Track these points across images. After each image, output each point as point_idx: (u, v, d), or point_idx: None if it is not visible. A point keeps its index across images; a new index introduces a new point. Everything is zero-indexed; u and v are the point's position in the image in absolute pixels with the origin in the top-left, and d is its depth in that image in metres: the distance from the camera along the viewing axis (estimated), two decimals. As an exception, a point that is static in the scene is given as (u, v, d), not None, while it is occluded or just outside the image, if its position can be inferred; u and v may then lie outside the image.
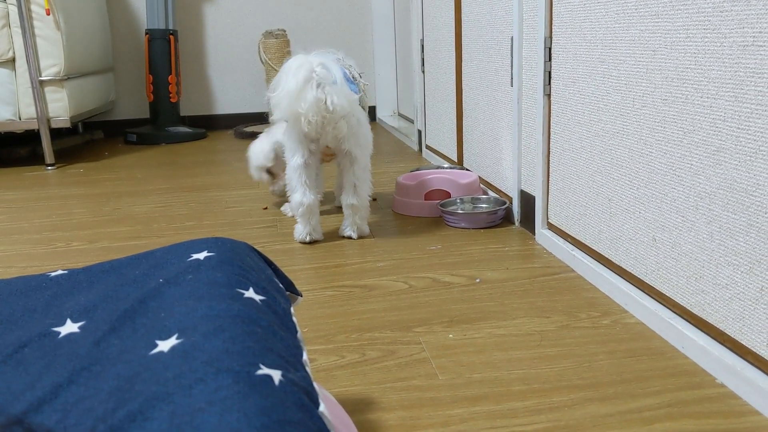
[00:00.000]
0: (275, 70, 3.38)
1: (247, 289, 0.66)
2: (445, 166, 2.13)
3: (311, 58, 1.46)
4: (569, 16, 1.31)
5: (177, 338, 0.56)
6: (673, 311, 1.04)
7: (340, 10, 3.70)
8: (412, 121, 3.28)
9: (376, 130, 3.50)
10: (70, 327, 0.63)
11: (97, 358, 0.57)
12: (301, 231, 1.58)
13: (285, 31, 3.41)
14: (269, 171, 1.91)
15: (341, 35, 3.72)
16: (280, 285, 0.79)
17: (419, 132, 2.69)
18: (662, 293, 1.07)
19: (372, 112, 3.81)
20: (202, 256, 0.72)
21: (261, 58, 3.41)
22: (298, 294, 0.88)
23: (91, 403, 0.51)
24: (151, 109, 3.43)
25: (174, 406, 0.47)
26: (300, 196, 1.54)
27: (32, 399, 0.54)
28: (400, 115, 3.69)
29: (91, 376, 0.55)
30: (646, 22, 1.06)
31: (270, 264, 0.84)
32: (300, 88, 1.40)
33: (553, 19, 1.38)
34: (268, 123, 3.61)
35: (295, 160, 1.53)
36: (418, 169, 2.07)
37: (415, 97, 2.71)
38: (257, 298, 0.65)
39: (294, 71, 1.42)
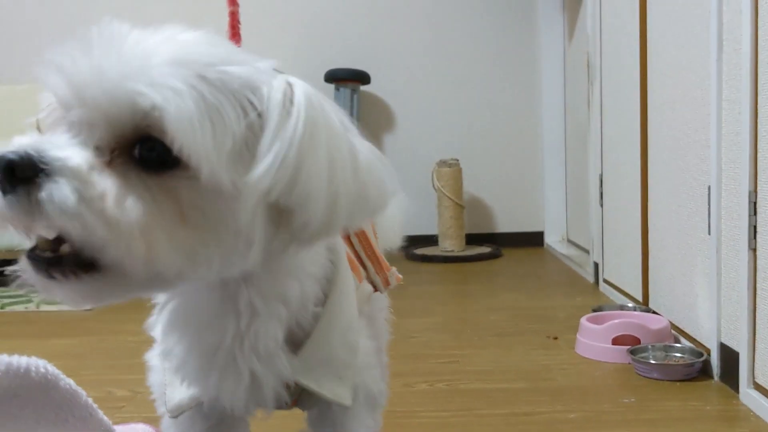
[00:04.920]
0: (447, 196, 3.51)
1: None
2: (629, 305, 2.08)
3: None
4: (778, 173, 1.28)
5: None
6: None
7: (511, 137, 3.81)
8: (583, 249, 3.24)
9: (544, 256, 3.48)
10: None
11: None
12: None
13: (458, 160, 3.56)
14: None
15: (513, 161, 3.81)
16: None
17: (596, 264, 2.65)
18: None
19: (540, 237, 3.81)
20: None
21: (434, 185, 3.56)
22: None
23: None
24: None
25: None
26: None
27: None
28: (569, 241, 3.66)
29: None
30: None
31: None
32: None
33: (758, 173, 1.35)
34: (437, 245, 3.71)
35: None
36: (600, 308, 2.04)
37: (592, 230, 2.69)
38: None
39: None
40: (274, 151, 0.50)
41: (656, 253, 1.98)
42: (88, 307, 0.56)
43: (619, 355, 1.69)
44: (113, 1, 2.48)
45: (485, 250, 3.55)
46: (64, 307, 2.49)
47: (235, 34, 1.14)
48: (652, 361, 1.60)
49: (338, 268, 0.66)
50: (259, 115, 0.52)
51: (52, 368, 0.62)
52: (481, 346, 1.90)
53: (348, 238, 0.74)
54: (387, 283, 0.81)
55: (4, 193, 0.48)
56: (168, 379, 0.65)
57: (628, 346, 1.68)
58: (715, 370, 1.57)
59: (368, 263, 0.76)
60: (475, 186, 3.81)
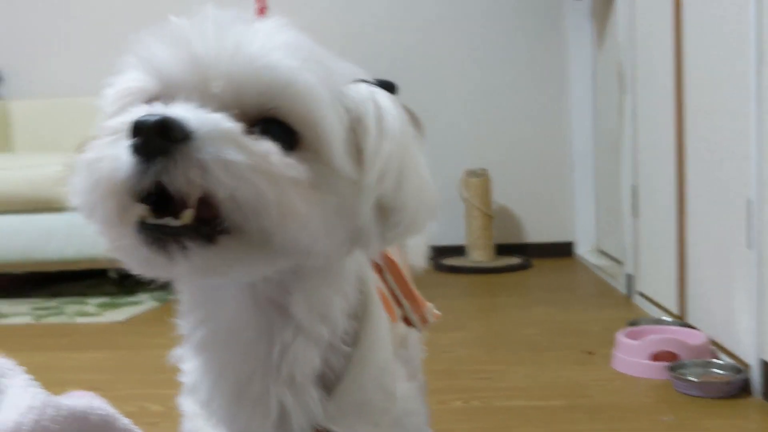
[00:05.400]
0: (475, 207, 3.49)
1: None
2: (666, 319, 2.05)
3: None
4: (824, 187, 1.25)
5: None
6: None
7: (540, 146, 3.78)
8: (614, 260, 3.20)
9: (575, 267, 3.44)
10: None
11: None
12: None
13: (486, 170, 3.54)
14: None
15: (542, 170, 3.78)
16: None
17: (629, 276, 2.61)
18: None
19: (569, 247, 3.77)
20: None
21: (461, 195, 3.54)
22: None
23: None
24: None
25: None
26: None
27: None
28: (600, 251, 3.62)
29: None
30: None
31: None
32: None
33: (803, 187, 1.32)
34: (465, 256, 3.69)
35: None
36: (636, 322, 2.01)
37: (625, 241, 2.66)
38: None
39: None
40: (383, 158, 0.51)
41: (693, 266, 1.95)
42: (206, 279, 0.54)
43: (657, 371, 1.66)
44: (140, 20, 2.51)
45: (515, 260, 3.52)
46: (97, 319, 2.51)
47: None
48: (692, 378, 1.57)
49: (368, 300, 0.62)
50: (347, 111, 0.53)
51: (110, 409, 0.63)
52: (514, 362, 1.88)
53: (382, 275, 0.71)
54: (424, 320, 0.76)
55: (150, 156, 0.43)
56: (198, 426, 0.63)
57: (667, 363, 1.65)
58: (756, 387, 1.53)
59: (404, 301, 0.72)
60: (504, 196, 3.78)
